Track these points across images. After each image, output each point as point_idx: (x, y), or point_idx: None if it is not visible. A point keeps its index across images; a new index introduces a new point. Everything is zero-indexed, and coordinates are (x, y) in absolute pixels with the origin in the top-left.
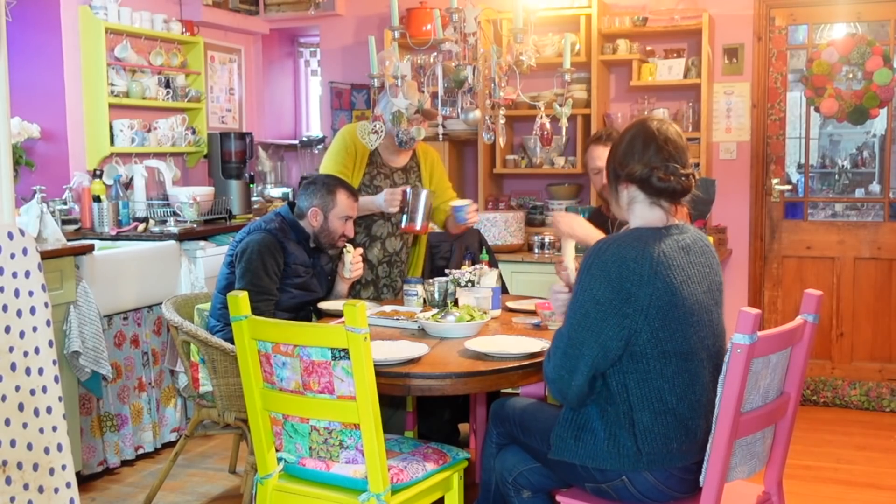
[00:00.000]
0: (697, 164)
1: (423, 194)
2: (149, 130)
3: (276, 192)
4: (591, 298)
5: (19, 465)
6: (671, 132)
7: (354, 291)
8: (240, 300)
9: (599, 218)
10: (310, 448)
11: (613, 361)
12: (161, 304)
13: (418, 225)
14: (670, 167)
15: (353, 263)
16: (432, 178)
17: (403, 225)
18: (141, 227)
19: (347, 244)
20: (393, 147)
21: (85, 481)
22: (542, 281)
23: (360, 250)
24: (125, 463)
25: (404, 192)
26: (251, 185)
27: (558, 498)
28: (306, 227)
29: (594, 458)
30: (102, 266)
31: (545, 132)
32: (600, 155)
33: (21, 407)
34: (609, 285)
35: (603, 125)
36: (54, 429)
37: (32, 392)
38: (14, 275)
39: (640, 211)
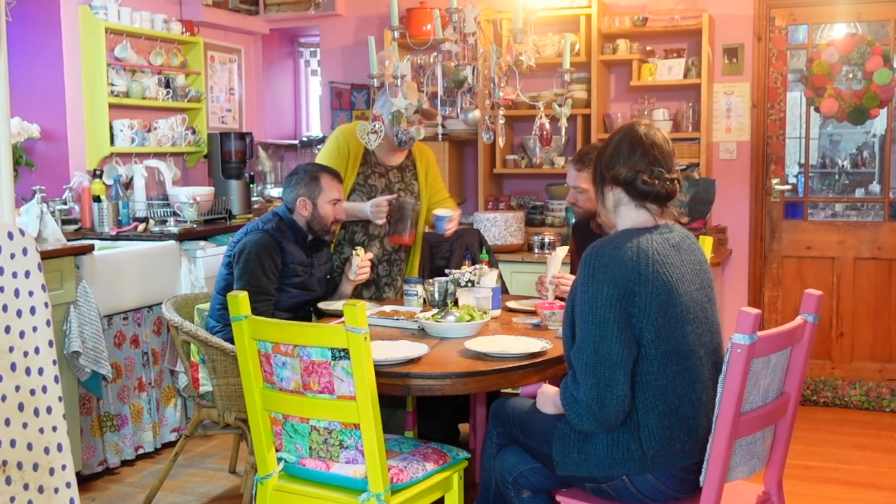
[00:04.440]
0: (697, 165)
1: (409, 205)
2: (149, 130)
3: (275, 192)
4: (604, 302)
5: (19, 465)
6: (658, 137)
7: (356, 291)
8: (240, 300)
9: (584, 227)
10: (310, 448)
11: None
12: (161, 304)
13: (405, 236)
14: (655, 171)
15: (360, 267)
16: (427, 177)
17: (390, 235)
18: (141, 227)
19: (357, 247)
20: (389, 146)
21: (85, 481)
22: None
23: (370, 255)
24: (125, 463)
25: (390, 203)
26: (251, 185)
27: (558, 498)
28: (298, 220)
29: (600, 466)
30: (102, 266)
31: (545, 132)
32: (575, 176)
33: (21, 407)
34: (614, 285)
35: (603, 125)
36: (54, 429)
37: (32, 392)
38: (14, 275)
39: (625, 213)
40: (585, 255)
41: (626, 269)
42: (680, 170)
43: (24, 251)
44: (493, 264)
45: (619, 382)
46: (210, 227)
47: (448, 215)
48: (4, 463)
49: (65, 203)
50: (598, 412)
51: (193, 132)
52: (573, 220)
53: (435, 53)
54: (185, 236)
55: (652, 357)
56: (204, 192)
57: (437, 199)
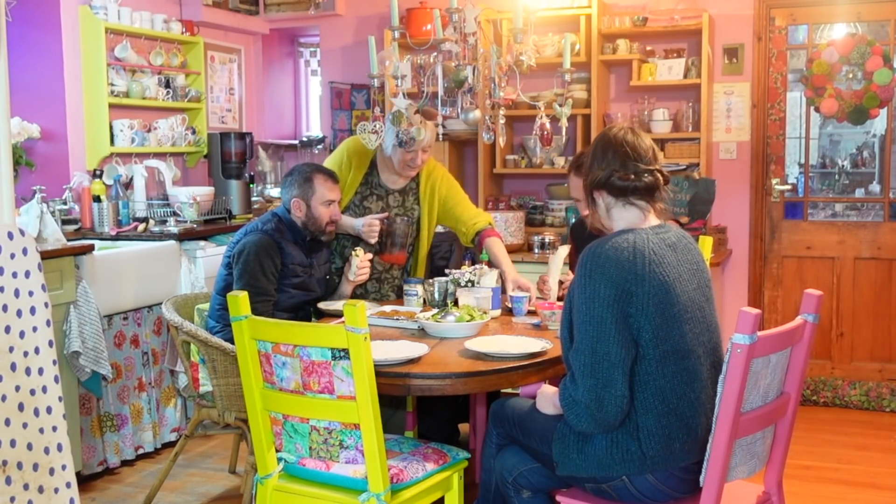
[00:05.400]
0: (697, 165)
1: (400, 224)
2: (149, 130)
3: (275, 192)
4: (602, 303)
5: (19, 465)
6: (628, 135)
7: (354, 294)
8: (240, 300)
9: (583, 227)
10: (310, 448)
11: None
12: (161, 304)
13: (396, 255)
14: (629, 166)
15: (359, 267)
16: (434, 199)
17: (381, 254)
18: (141, 227)
19: (357, 248)
20: (393, 168)
21: (85, 481)
22: None
23: (370, 255)
24: (125, 463)
25: (382, 221)
26: (251, 185)
27: (558, 498)
28: (296, 221)
29: (600, 466)
30: (102, 266)
31: (545, 132)
32: (576, 185)
33: (21, 407)
34: (611, 285)
35: (603, 125)
36: (54, 429)
37: (32, 392)
38: (14, 275)
39: (617, 214)
40: (582, 255)
41: (623, 269)
42: (680, 170)
43: (24, 251)
44: (492, 264)
45: (617, 383)
46: (210, 227)
47: (525, 296)
48: (4, 463)
49: (65, 203)
50: (596, 413)
51: (193, 132)
52: (573, 221)
53: (435, 53)
54: (185, 236)
55: (650, 357)
56: (204, 192)
57: (465, 217)
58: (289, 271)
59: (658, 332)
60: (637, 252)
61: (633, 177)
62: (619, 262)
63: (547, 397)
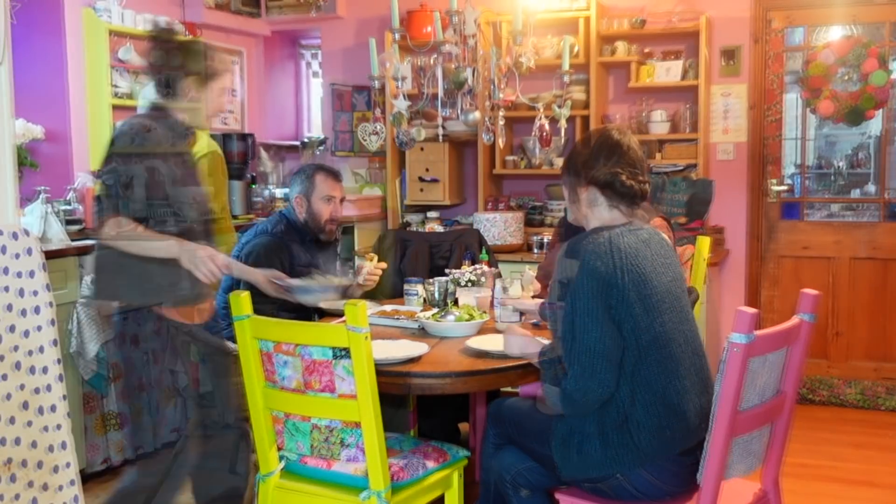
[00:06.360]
0: (695, 165)
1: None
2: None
3: (277, 192)
4: (585, 294)
5: (23, 463)
6: (633, 142)
7: None
8: (242, 299)
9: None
10: (311, 446)
11: (621, 350)
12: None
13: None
14: (633, 172)
15: (370, 273)
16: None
17: None
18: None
19: (369, 253)
20: None
21: (88, 479)
22: None
23: (384, 264)
24: (127, 462)
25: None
26: (252, 186)
27: (557, 496)
28: (299, 219)
29: (599, 467)
30: None
31: (544, 133)
32: None
33: (25, 405)
34: (593, 278)
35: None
36: (58, 427)
37: (36, 390)
38: (18, 275)
39: (599, 213)
40: (562, 252)
41: (603, 261)
42: (678, 170)
43: (29, 251)
44: (492, 264)
45: (601, 371)
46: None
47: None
48: (9, 461)
49: (68, 203)
50: (580, 399)
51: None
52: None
53: (435, 55)
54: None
55: (632, 347)
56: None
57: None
58: (295, 273)
59: (639, 322)
60: (613, 246)
61: (633, 183)
62: (599, 255)
63: (515, 335)
